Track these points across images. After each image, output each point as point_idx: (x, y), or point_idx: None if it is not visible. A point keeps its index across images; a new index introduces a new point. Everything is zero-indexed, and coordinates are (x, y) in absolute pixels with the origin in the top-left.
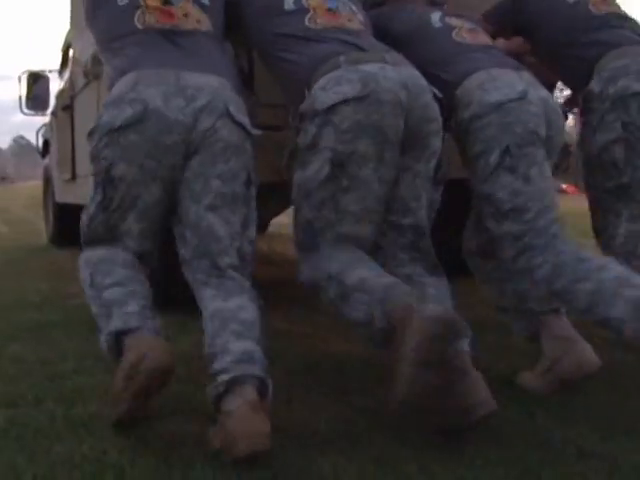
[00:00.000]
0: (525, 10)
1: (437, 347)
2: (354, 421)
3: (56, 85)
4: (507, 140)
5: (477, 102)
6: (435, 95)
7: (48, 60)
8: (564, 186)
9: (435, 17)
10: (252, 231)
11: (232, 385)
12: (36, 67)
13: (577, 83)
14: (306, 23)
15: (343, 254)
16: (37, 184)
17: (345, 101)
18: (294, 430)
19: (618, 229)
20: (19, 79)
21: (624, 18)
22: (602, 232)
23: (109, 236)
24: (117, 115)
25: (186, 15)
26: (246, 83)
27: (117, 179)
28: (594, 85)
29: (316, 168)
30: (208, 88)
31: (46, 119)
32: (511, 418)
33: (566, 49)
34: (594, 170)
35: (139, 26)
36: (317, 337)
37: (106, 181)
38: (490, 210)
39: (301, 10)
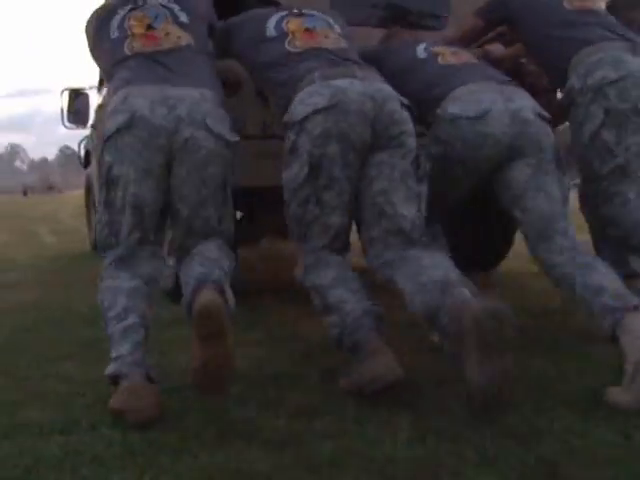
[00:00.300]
0: (508, 6)
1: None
2: (433, 444)
3: (96, 100)
4: (438, 153)
5: (444, 110)
6: (402, 103)
7: (88, 75)
8: None
9: (420, 49)
10: (228, 226)
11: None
12: (76, 81)
13: (557, 80)
14: (286, 46)
15: (330, 270)
16: (84, 193)
17: (316, 111)
18: (370, 454)
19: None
20: (61, 94)
21: (597, 14)
22: (611, 220)
23: (114, 241)
24: (112, 123)
25: (167, 34)
26: (261, 97)
27: (116, 178)
28: (574, 82)
29: (297, 169)
30: (189, 99)
31: (87, 131)
32: (606, 440)
33: (542, 45)
34: (590, 160)
35: (128, 53)
36: None
37: (108, 182)
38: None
39: (281, 35)
